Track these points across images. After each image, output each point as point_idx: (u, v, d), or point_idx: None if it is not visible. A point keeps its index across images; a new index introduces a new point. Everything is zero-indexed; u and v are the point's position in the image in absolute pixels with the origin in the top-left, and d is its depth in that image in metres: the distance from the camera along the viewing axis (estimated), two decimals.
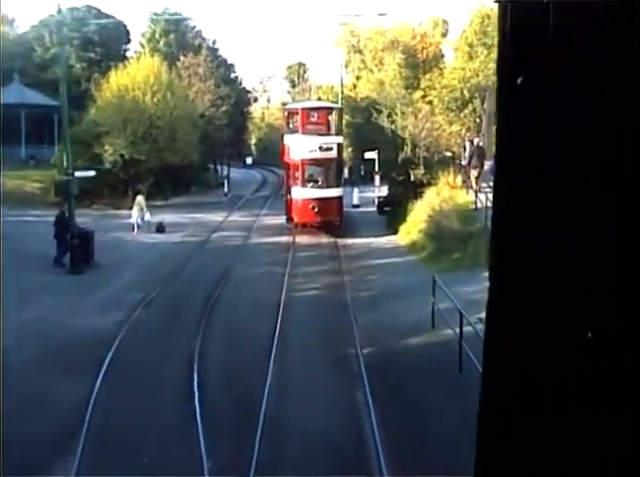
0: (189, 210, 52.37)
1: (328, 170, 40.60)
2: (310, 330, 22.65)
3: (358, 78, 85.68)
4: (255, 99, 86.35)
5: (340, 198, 41.02)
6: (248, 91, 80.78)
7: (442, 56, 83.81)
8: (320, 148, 39.76)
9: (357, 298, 26.45)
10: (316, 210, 39.58)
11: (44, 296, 26.22)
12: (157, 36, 73.04)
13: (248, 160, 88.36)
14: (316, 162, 40.18)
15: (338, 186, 40.94)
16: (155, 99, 53.84)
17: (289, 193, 41.73)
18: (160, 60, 58.30)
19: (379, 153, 50.51)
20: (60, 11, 39.33)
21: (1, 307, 21.29)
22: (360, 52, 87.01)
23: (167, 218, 47.55)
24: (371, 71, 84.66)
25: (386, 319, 23.39)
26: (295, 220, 40.44)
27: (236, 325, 23.01)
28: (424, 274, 28.41)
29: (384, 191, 49.78)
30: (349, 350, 20.53)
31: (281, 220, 46.35)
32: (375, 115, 50.29)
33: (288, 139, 41.83)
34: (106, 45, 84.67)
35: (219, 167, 77.55)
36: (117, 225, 44.57)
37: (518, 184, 1.73)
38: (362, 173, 63.72)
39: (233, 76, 75.66)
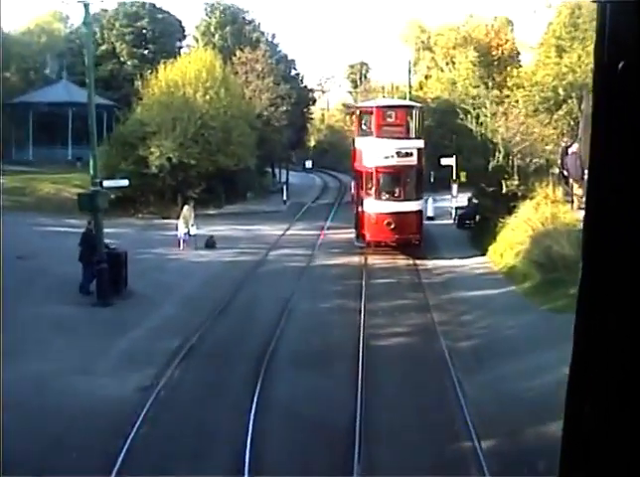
0: (244, 220, 46.72)
1: (407, 179, 34.50)
2: (402, 410, 16.45)
3: (427, 77, 79.59)
4: (314, 101, 80.00)
5: (420, 212, 34.91)
6: (310, 90, 74.67)
7: (518, 53, 77.20)
8: (398, 154, 33.72)
9: (455, 350, 20.36)
10: (392, 226, 33.57)
11: (54, 339, 20.73)
12: (212, 29, 67.53)
13: (308, 164, 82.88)
14: (393, 170, 34.13)
15: (418, 198, 34.81)
16: (208, 97, 48.19)
17: (360, 205, 35.73)
18: (214, 53, 52.64)
19: (457, 159, 44.32)
20: None
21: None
22: (429, 49, 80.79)
23: (219, 229, 42.12)
24: (441, 69, 78.53)
25: (502, 387, 17.27)
26: (367, 237, 34.44)
27: (300, 401, 16.89)
28: (536, 314, 22.59)
29: (460, 201, 43.90)
30: (463, 444, 14.42)
31: (349, 234, 40.44)
32: (460, 117, 43.81)
33: (360, 143, 35.83)
34: (160, 41, 79.90)
35: (276, 171, 71.94)
36: (162, 238, 39.15)
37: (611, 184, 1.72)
38: (432, 180, 57.43)
39: (293, 73, 69.70)
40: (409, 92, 67.40)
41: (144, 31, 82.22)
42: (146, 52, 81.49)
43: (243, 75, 59.33)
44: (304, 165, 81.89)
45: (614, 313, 1.71)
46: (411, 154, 33.96)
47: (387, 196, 34.47)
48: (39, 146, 68.76)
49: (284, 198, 57.06)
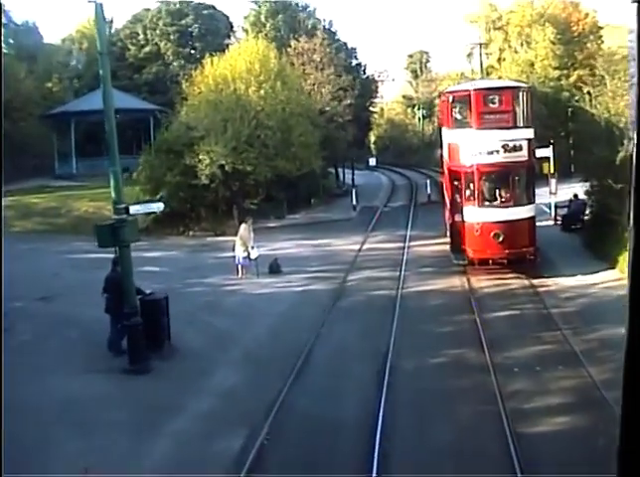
0: (310, 232, 40.26)
1: (516, 179, 27.53)
2: None
3: (500, 59, 72.16)
4: (377, 92, 72.70)
5: (533, 220, 27.84)
6: (374, 80, 67.59)
7: (599, 28, 69.53)
8: (505, 148, 26.77)
9: None
10: (501, 239, 26.72)
11: (55, 433, 14.33)
12: (262, 18, 60.92)
13: (372, 161, 76.65)
14: (499, 168, 27.14)
15: (530, 202, 27.75)
16: (262, 92, 41.56)
17: (457, 214, 28.90)
18: (267, 43, 45.93)
19: (554, 150, 37.19)
20: None
21: None
22: (501, 29, 73.27)
23: (283, 247, 35.79)
24: (515, 50, 71.10)
25: None
26: (470, 254, 27.56)
27: None
28: None
29: (558, 198, 37.80)
30: None
31: (438, 245, 33.91)
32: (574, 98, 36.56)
33: (453, 137, 28.90)
34: (206, 39, 74.23)
35: (339, 170, 65.19)
36: (216, 262, 32.91)
37: None
38: None
39: (354, 63, 62.73)
40: (482, 78, 60.66)
41: (189, 29, 77.04)
42: (192, 51, 75.94)
43: (300, 66, 52.66)
44: (367, 163, 75.63)
45: None
46: (521, 148, 26.96)
47: (492, 201, 27.50)
48: (83, 158, 63.66)
49: (353, 202, 50.35)
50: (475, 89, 27.19)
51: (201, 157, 39.76)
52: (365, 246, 35.99)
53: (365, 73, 63.30)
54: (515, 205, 27.24)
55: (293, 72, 46.93)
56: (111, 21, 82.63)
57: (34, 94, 66.24)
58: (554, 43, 65.03)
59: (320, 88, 52.30)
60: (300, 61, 53.76)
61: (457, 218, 29.04)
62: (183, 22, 76.86)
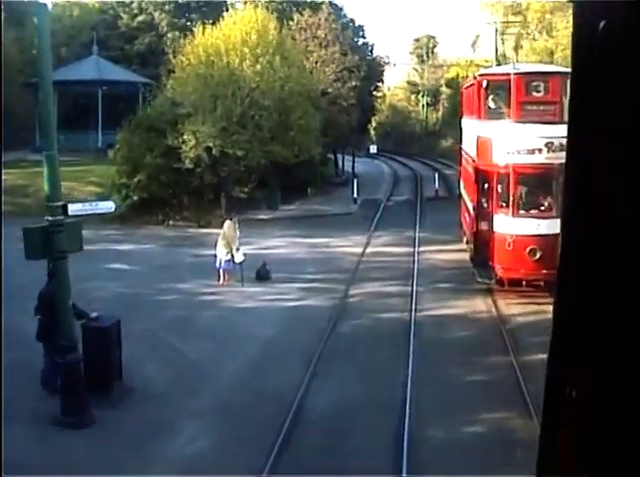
0: (306, 228, 35.64)
1: (559, 186, 22.71)
2: None
3: (516, 47, 67.24)
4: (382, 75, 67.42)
5: None
6: (380, 63, 62.46)
7: None
8: (548, 147, 22.02)
9: None
10: (538, 256, 22.02)
11: None
12: None
13: (373, 149, 72.40)
14: (541, 171, 22.39)
15: None
16: (258, 67, 36.54)
17: (484, 222, 24.17)
18: (266, 13, 40.83)
19: None
20: None
21: None
22: (519, 13, 68.30)
23: (274, 245, 31.19)
24: (534, 38, 66.27)
25: None
26: (499, 272, 22.86)
27: None
28: None
29: None
30: None
31: (453, 253, 29.66)
32: None
33: (483, 129, 24.06)
34: (204, 10, 69.31)
35: (339, 157, 60.33)
36: (196, 261, 28.25)
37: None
38: None
39: (361, 42, 57.62)
40: (497, 66, 56.00)
41: None
42: (189, 23, 71.00)
43: (303, 43, 47.66)
44: (368, 150, 71.11)
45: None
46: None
47: (529, 210, 22.77)
48: (66, 131, 58.56)
49: (354, 195, 45.56)
50: (517, 74, 22.30)
51: (185, 137, 34.90)
52: (368, 250, 31.30)
53: (372, 53, 58.22)
54: (557, 216, 22.45)
55: (295, 46, 41.77)
56: None
57: (17, 61, 61.21)
58: None
59: (323, 67, 47.36)
60: (303, 36, 48.87)
61: (483, 226, 24.29)
62: None
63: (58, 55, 69.71)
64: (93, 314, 15.30)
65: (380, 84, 64.58)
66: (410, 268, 27.50)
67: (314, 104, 41.04)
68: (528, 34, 65.74)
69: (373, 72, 56.62)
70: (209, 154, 35.25)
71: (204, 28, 38.51)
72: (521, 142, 22.14)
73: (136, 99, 51.37)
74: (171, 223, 36.32)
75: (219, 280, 25.19)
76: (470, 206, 26.50)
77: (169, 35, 68.20)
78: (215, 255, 25.48)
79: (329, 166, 57.05)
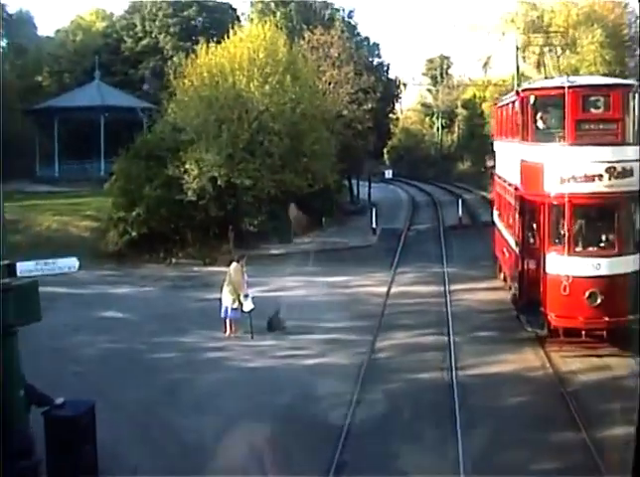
0: (323, 263, 32.42)
1: (623, 218, 19.32)
2: None
3: (539, 64, 63.95)
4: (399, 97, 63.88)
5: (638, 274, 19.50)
6: (398, 84, 59.06)
7: None
8: (610, 173, 18.61)
9: None
10: (599, 301, 18.52)
11: None
12: (273, 5, 52.58)
13: (388, 173, 69.30)
14: (602, 201, 18.99)
15: (635, 251, 19.54)
16: (267, 88, 33.25)
17: (530, 260, 20.79)
18: (275, 29, 37.55)
19: None
20: None
21: None
22: (541, 29, 65.01)
23: (288, 286, 27.88)
24: (557, 54, 62.91)
25: None
26: (552, 320, 19.42)
27: None
28: None
29: None
30: None
31: (487, 292, 26.45)
32: None
33: (529, 153, 20.63)
34: (210, 32, 66.37)
35: (353, 183, 56.97)
36: (201, 307, 25.03)
37: None
38: None
39: (376, 61, 54.29)
40: (518, 85, 53.04)
41: (192, 21, 69.32)
42: (195, 45, 68.20)
43: (315, 62, 44.44)
44: (383, 175, 67.87)
45: None
46: (632, 172, 18.79)
47: (588, 247, 19.32)
48: (67, 160, 56.06)
49: (373, 225, 42.16)
50: (572, 87, 18.81)
51: (187, 167, 31.65)
52: (393, 289, 27.88)
53: (388, 73, 54.90)
54: (621, 253, 19.09)
55: (307, 65, 38.38)
56: (112, 15, 75.55)
57: (17, 88, 58.49)
58: (602, 46, 57.07)
59: (337, 89, 44.10)
60: (315, 56, 45.62)
61: (530, 265, 20.90)
62: (185, 13, 69.52)
63: (61, 81, 67.25)
64: (59, 400, 11.94)
65: (395, 106, 61.25)
66: (443, 312, 24.08)
67: (328, 128, 37.70)
68: (550, 50, 62.37)
69: (389, 93, 53.31)
70: (214, 185, 31.99)
71: (207, 46, 35.26)
72: (577, 168, 18.71)
73: (140, 126, 48.44)
74: (173, 261, 33.02)
75: (225, 331, 21.90)
76: (511, 240, 23.08)
77: (175, 58, 65.39)
78: (220, 301, 22.11)
79: (344, 193, 53.70)
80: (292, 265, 32.56)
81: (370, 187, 54.34)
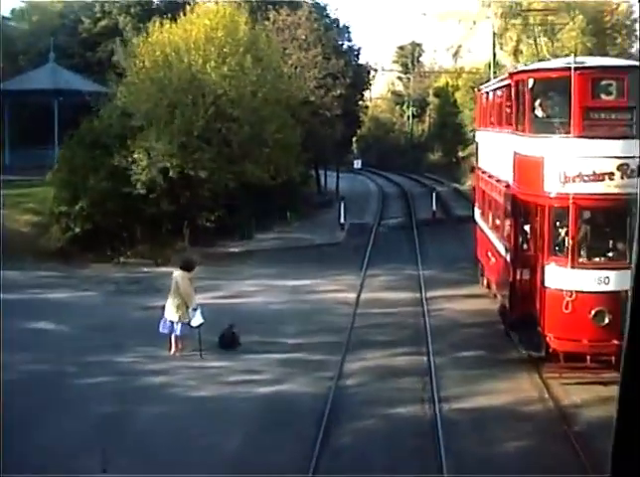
0: (286, 264, 29.59)
1: (634, 224, 16.37)
2: None
3: (516, 52, 61.26)
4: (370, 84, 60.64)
5: None
6: (368, 70, 56.01)
7: (635, 20, 59.71)
8: (622, 170, 15.73)
9: None
10: (606, 321, 15.72)
11: None
12: None
13: (357, 163, 66.58)
14: (612, 204, 16.07)
15: None
16: (226, 69, 30.04)
17: (523, 269, 17.90)
18: (234, 7, 34.22)
19: None
20: None
21: None
22: (519, 15, 62.33)
23: (246, 291, 24.98)
24: (535, 42, 60.17)
25: None
26: (552, 342, 16.54)
27: None
28: None
29: None
30: None
31: (469, 300, 23.95)
32: None
33: (527, 146, 17.58)
34: (173, 13, 63.05)
35: (320, 173, 53.91)
36: (147, 315, 21.75)
37: None
38: None
39: (346, 45, 51.07)
40: (494, 73, 50.98)
41: (153, 2, 65.87)
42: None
43: (280, 44, 41.26)
44: (352, 165, 65.03)
45: None
46: None
47: (594, 258, 16.43)
48: (19, 147, 52.45)
49: (341, 220, 39.16)
50: (580, 69, 15.80)
51: (136, 156, 28.41)
52: (364, 296, 24.96)
53: (358, 58, 51.78)
54: (627, 264, 16.15)
55: (270, 46, 35.05)
56: None
57: None
58: (584, 33, 54.67)
59: (304, 73, 40.94)
60: (281, 37, 42.46)
61: (523, 275, 18.04)
62: None
63: (15, 64, 63.51)
64: None
65: (366, 94, 58.19)
66: (421, 326, 21.22)
67: (293, 115, 34.50)
68: (529, 37, 59.66)
69: (359, 79, 50.24)
70: (165, 176, 28.75)
71: (161, 23, 31.95)
72: (585, 164, 15.80)
73: (98, 111, 45.01)
74: (122, 260, 29.83)
75: (170, 349, 18.79)
76: (499, 245, 20.22)
77: (134, 40, 61.98)
78: (163, 315, 19.01)
79: (310, 184, 50.60)
80: (252, 266, 29.68)
81: (338, 178, 51.30)
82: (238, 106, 29.94)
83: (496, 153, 21.33)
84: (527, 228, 18.19)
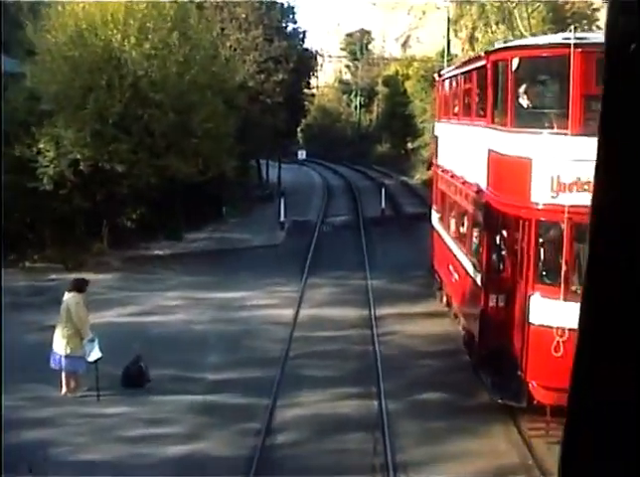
0: (216, 271, 25.95)
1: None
2: None
3: (472, 39, 58.21)
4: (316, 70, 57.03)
5: None
6: (314, 55, 52.42)
7: (596, 9, 57.28)
8: None
9: None
10: None
11: None
12: None
13: (301, 154, 62.80)
14: None
15: None
16: (148, 47, 26.11)
17: (497, 295, 14.47)
18: None
19: None
20: None
21: None
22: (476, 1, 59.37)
23: (165, 305, 21.29)
24: (490, 29, 57.27)
25: None
26: (537, 394, 13.15)
27: None
28: None
29: None
30: None
31: (427, 320, 20.47)
32: None
33: (509, 143, 14.00)
34: None
35: (262, 164, 50.29)
36: (44, 338, 17.45)
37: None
38: None
39: (291, 27, 47.38)
40: (449, 61, 48.32)
41: None
42: None
43: (218, 24, 37.41)
44: (296, 156, 61.52)
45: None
46: None
47: None
48: None
49: (281, 217, 35.55)
50: (581, 45, 12.26)
51: (42, 146, 24.38)
52: (303, 313, 21.42)
53: (303, 41, 48.04)
54: None
55: (201, 20, 30.88)
56: None
57: None
58: (545, 22, 52.00)
59: (243, 55, 37.10)
60: (219, 16, 38.62)
61: (499, 302, 14.59)
62: None
63: None
64: None
65: (312, 81, 54.51)
66: (370, 355, 17.75)
67: (228, 102, 30.59)
68: (486, 24, 56.64)
69: (304, 64, 46.58)
70: (75, 170, 24.77)
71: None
72: (584, 169, 12.32)
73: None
74: (27, 264, 25.81)
75: (61, 389, 15.03)
76: (467, 261, 16.78)
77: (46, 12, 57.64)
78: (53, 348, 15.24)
79: (251, 176, 46.87)
80: (177, 272, 25.99)
81: (279, 172, 47.66)
82: (161, 90, 25.94)
83: (462, 150, 17.83)
84: (503, 245, 14.72)
